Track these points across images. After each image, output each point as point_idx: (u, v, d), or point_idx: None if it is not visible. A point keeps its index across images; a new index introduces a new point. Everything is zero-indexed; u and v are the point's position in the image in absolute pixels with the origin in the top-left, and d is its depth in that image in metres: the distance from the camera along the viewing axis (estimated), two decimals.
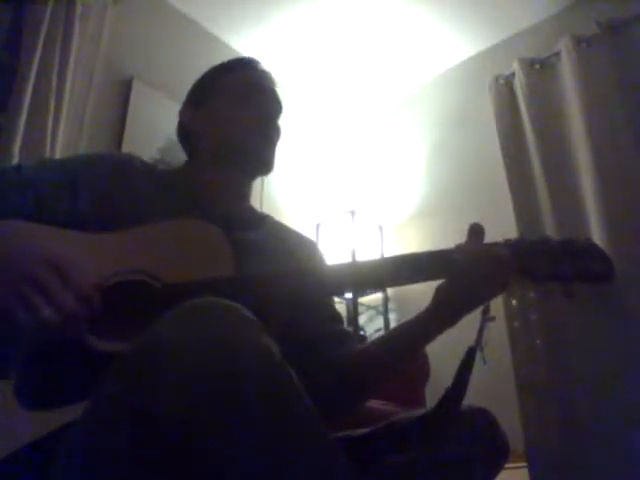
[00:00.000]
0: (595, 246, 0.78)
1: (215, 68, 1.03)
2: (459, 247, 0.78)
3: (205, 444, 0.46)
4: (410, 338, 0.83)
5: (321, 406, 0.53)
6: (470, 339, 0.80)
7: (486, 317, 0.79)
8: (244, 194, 1.01)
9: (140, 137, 2.12)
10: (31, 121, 1.73)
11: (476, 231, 0.79)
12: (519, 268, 0.76)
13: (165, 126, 2.17)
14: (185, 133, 1.00)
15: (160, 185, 0.91)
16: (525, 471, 1.76)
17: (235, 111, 0.95)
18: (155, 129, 2.17)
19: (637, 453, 1.68)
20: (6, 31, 1.92)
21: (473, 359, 0.77)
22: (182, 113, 1.00)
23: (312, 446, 0.50)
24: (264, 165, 0.97)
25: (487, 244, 0.78)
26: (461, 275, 0.76)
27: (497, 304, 0.82)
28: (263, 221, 1.01)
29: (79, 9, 1.93)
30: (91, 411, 0.51)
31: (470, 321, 0.79)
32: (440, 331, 0.80)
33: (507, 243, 0.78)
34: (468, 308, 0.78)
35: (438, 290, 0.78)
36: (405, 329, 0.84)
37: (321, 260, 1.03)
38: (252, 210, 1.03)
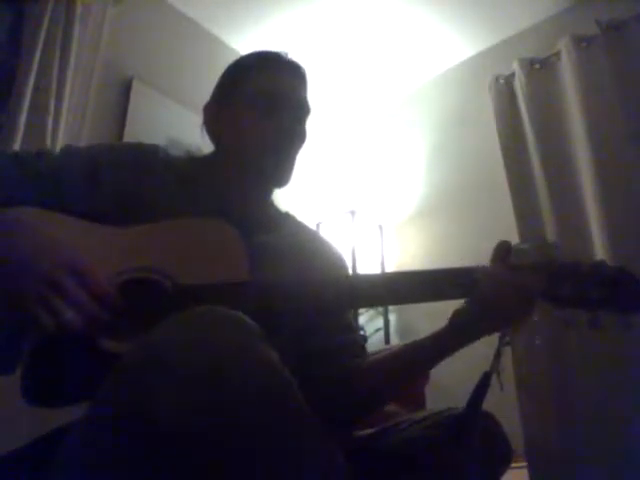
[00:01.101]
0: (626, 273, 0.72)
1: (239, 64, 0.99)
2: (483, 269, 0.74)
3: (204, 446, 0.46)
4: (424, 356, 0.82)
5: (329, 413, 0.53)
6: None
7: (503, 342, 0.76)
8: (266, 195, 0.99)
9: (140, 137, 2.09)
10: (31, 121, 1.73)
11: (502, 252, 0.75)
12: (543, 291, 0.72)
13: (165, 126, 2.17)
14: (209, 127, 0.97)
15: (182, 180, 0.89)
16: (525, 471, 1.76)
17: (253, 122, 0.91)
18: (155, 129, 2.16)
19: (637, 453, 1.68)
20: (6, 31, 1.92)
21: (488, 384, 0.74)
22: (206, 108, 0.98)
23: (309, 450, 0.51)
24: (276, 181, 0.94)
25: (512, 268, 0.74)
26: (483, 300, 0.73)
27: None
28: (283, 222, 0.99)
29: (79, 9, 1.93)
30: (92, 411, 0.51)
31: None
32: (455, 351, 0.78)
33: (534, 267, 0.73)
34: (486, 332, 0.75)
35: (457, 312, 0.76)
36: (420, 347, 0.81)
37: (338, 266, 1.00)
38: (273, 210, 1.01)
